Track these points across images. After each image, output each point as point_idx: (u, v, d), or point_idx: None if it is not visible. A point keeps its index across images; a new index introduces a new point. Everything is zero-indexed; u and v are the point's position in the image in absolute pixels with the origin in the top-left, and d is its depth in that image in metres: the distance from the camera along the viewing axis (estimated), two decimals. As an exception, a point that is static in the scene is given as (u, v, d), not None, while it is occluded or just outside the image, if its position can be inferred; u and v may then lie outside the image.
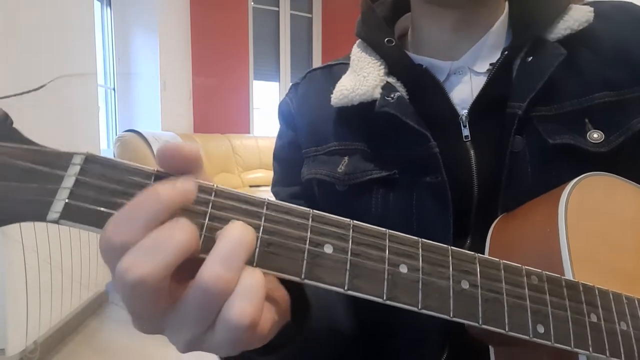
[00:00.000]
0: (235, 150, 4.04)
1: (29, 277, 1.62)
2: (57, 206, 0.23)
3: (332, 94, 0.50)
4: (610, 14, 0.47)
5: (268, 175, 3.98)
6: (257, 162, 4.12)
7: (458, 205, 0.44)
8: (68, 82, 2.04)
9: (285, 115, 0.59)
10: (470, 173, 0.45)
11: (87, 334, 2.11)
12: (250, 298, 0.23)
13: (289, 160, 0.57)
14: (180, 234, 0.23)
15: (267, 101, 4.67)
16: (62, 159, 0.24)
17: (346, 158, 0.50)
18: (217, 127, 4.11)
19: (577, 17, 0.45)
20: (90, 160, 0.24)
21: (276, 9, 4.59)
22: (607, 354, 0.30)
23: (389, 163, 0.47)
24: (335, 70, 0.57)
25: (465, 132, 0.46)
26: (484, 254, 0.40)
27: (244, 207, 0.26)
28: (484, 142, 0.46)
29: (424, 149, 0.45)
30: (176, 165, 0.26)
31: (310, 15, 4.78)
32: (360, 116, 0.49)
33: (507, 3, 0.51)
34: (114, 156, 2.46)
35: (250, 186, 3.90)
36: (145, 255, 0.22)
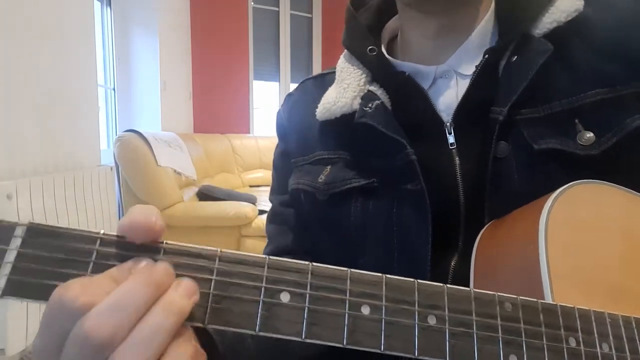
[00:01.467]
0: (235, 150, 4.04)
1: (29, 277, 1.61)
2: (0, 282, 0.23)
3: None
4: (603, 1, 0.44)
5: (268, 175, 3.98)
6: (257, 162, 4.12)
7: (443, 213, 0.43)
8: (68, 82, 2.04)
9: (279, 126, 0.60)
10: (455, 180, 0.44)
11: (87, 334, 2.10)
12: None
13: (281, 169, 0.59)
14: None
15: (267, 101, 4.66)
16: (4, 232, 0.24)
17: (329, 167, 0.50)
18: (217, 127, 4.11)
19: (565, 7, 0.41)
20: (33, 231, 0.24)
21: (276, 9, 4.59)
22: None
23: (369, 172, 0.47)
24: (327, 79, 0.57)
25: (451, 139, 0.45)
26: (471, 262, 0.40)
27: (195, 263, 0.26)
28: (469, 148, 0.44)
29: (401, 156, 0.44)
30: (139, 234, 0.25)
31: (310, 15, 4.78)
32: (343, 126, 0.49)
33: (493, 0, 0.49)
34: (114, 156, 2.46)
35: (250, 186, 3.90)
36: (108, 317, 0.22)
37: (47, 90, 1.89)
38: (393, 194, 0.45)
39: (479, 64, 0.44)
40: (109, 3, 3.10)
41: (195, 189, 2.94)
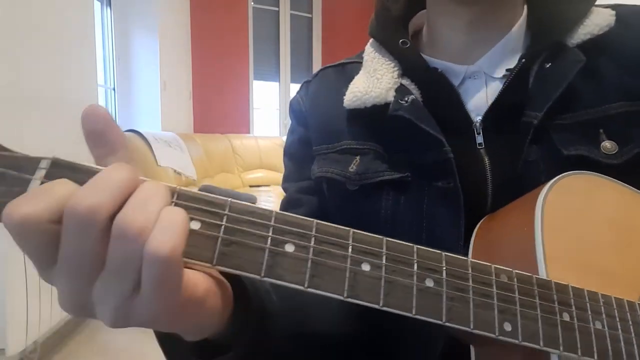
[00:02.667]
0: (235, 150, 4.04)
1: (29, 277, 1.62)
2: None
3: (344, 94, 0.50)
4: (631, 20, 0.45)
5: (268, 175, 3.99)
6: (257, 162, 4.12)
7: (469, 212, 0.43)
8: (68, 83, 2.04)
9: (297, 112, 0.59)
10: (485, 180, 0.44)
11: (87, 334, 2.11)
12: (167, 231, 0.23)
13: (299, 156, 0.57)
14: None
15: (267, 101, 4.67)
16: (29, 164, 0.25)
17: (358, 158, 0.49)
18: (217, 127, 4.11)
19: (599, 21, 0.43)
20: (56, 164, 0.26)
21: (276, 9, 4.59)
22: (579, 353, 0.30)
23: (402, 166, 0.47)
24: (348, 69, 0.56)
25: (479, 139, 0.46)
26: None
27: (206, 208, 0.27)
28: (499, 149, 0.45)
29: (438, 153, 0.44)
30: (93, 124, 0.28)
31: (310, 15, 4.78)
32: (374, 118, 0.48)
33: (525, 6, 0.50)
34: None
35: (250, 186, 3.90)
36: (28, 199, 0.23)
37: (47, 90, 1.89)
38: (424, 190, 0.45)
39: (515, 68, 0.45)
40: (109, 3, 3.10)
41: (195, 189, 2.93)
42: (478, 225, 0.42)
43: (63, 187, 0.24)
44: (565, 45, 0.44)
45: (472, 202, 0.44)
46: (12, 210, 0.22)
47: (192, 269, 0.27)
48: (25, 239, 0.23)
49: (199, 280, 0.27)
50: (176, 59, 3.68)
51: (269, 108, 4.69)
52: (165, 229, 0.23)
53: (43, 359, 1.81)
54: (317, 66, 4.79)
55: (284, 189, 0.59)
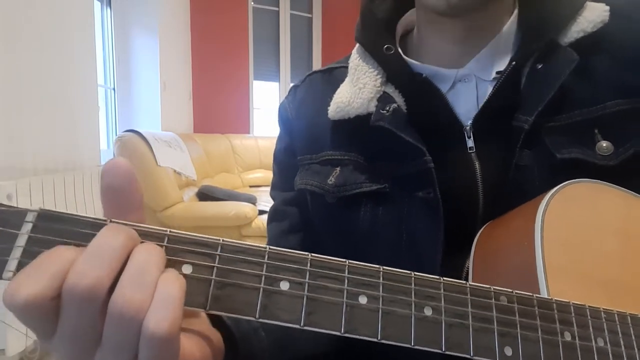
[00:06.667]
0: (235, 150, 4.04)
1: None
2: (11, 265, 0.24)
3: (329, 103, 0.49)
4: (627, 12, 0.43)
5: (268, 175, 3.98)
6: (257, 162, 4.12)
7: (459, 217, 0.43)
8: (68, 82, 2.04)
9: (284, 119, 0.58)
10: (476, 184, 0.44)
11: (87, 334, 2.10)
12: (164, 308, 0.23)
13: (284, 166, 0.57)
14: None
15: (267, 101, 4.67)
16: (15, 217, 0.25)
17: (338, 169, 0.48)
18: (217, 127, 4.11)
19: (592, 17, 0.41)
20: (43, 217, 0.25)
21: (276, 9, 4.59)
22: None
23: (381, 176, 0.46)
24: (335, 74, 0.55)
25: (470, 143, 0.45)
26: None
27: (198, 251, 0.26)
28: (489, 153, 0.44)
29: (419, 163, 0.43)
30: (115, 181, 0.26)
31: (310, 15, 4.78)
32: (356, 128, 0.47)
33: (517, 3, 0.48)
34: (114, 156, 2.46)
35: (250, 186, 3.90)
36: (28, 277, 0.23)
37: (47, 90, 1.89)
38: (404, 201, 0.45)
39: (505, 70, 0.43)
40: (109, 3, 3.10)
41: (195, 189, 2.94)
42: (480, 232, 0.41)
43: (60, 259, 0.23)
44: (557, 45, 0.42)
45: (459, 206, 0.43)
46: (14, 292, 0.22)
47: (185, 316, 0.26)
48: (28, 316, 0.23)
49: (195, 348, 0.27)
50: (176, 59, 3.68)
51: (269, 108, 4.69)
52: (162, 305, 0.23)
53: (43, 359, 1.81)
54: (317, 66, 4.79)
55: (272, 197, 0.59)
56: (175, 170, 2.73)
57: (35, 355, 1.74)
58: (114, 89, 3.18)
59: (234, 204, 2.68)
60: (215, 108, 4.17)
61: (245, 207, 2.62)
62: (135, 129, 2.62)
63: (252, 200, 2.86)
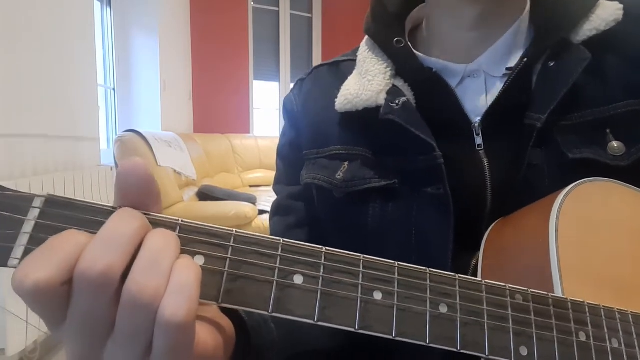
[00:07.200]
0: (235, 150, 4.04)
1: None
2: (17, 252, 0.23)
3: (337, 96, 0.48)
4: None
5: (268, 175, 3.98)
6: (257, 162, 4.12)
7: (467, 214, 0.42)
8: (68, 82, 2.04)
9: (289, 112, 0.57)
10: (484, 182, 0.43)
11: (87, 334, 2.10)
12: (181, 295, 0.22)
13: (290, 160, 0.56)
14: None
15: (267, 101, 4.67)
16: (22, 203, 0.24)
17: (346, 163, 0.48)
18: (217, 127, 4.11)
19: (605, 16, 0.41)
20: (50, 202, 0.24)
21: (276, 9, 4.59)
22: None
23: (390, 171, 0.45)
24: (342, 67, 0.54)
25: (478, 140, 0.44)
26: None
27: (210, 241, 0.25)
28: (499, 152, 0.43)
29: (428, 158, 0.43)
30: (133, 185, 0.25)
31: (310, 15, 4.78)
32: (365, 120, 0.46)
33: (529, 1, 0.47)
34: (114, 156, 2.46)
35: (250, 186, 3.90)
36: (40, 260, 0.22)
37: (47, 90, 1.89)
38: (413, 196, 0.44)
39: (516, 67, 0.43)
40: (109, 3, 3.10)
41: (195, 189, 2.94)
42: (490, 228, 0.41)
43: (71, 243, 0.22)
44: (569, 42, 0.42)
45: (467, 203, 0.42)
46: (23, 276, 0.21)
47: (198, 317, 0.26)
48: (37, 302, 0.22)
49: (209, 338, 0.26)
50: (176, 59, 3.68)
51: (269, 108, 4.69)
52: (178, 292, 0.22)
53: (43, 359, 1.81)
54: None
55: (275, 192, 0.58)
56: (175, 170, 2.73)
57: (35, 355, 1.74)
58: (114, 89, 3.18)
59: (234, 203, 2.68)
60: (215, 108, 4.17)
61: (245, 207, 2.62)
62: (135, 129, 2.62)
63: (252, 200, 2.86)
